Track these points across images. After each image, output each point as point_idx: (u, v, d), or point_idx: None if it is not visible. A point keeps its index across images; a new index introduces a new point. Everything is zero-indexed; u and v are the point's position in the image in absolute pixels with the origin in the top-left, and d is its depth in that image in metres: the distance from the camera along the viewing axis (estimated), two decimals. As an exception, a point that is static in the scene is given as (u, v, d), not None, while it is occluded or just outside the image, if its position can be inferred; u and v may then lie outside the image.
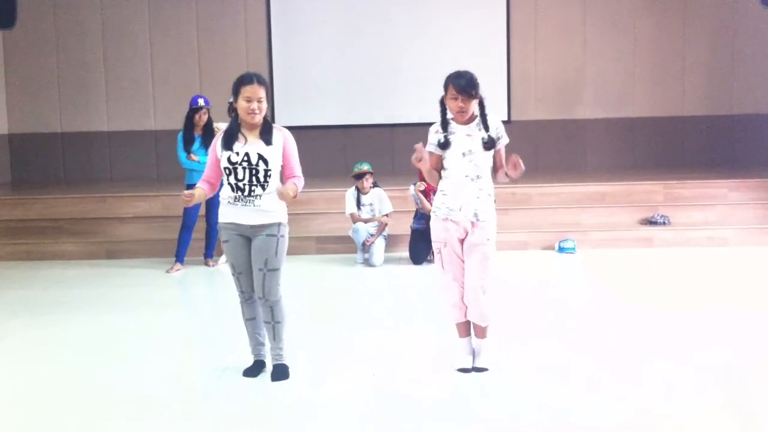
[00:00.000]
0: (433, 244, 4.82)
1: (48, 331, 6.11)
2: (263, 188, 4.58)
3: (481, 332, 4.86)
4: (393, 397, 4.52)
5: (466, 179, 4.64)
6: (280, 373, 4.77)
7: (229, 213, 4.66)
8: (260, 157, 4.56)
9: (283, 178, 4.68)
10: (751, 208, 9.54)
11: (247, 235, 4.68)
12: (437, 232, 4.75)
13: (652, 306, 6.54)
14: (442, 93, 4.71)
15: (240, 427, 4.18)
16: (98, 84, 12.59)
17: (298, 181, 4.68)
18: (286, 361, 4.82)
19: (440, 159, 4.72)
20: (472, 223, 4.65)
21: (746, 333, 5.70)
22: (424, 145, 4.66)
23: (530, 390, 4.56)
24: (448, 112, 4.72)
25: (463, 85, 4.58)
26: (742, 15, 12.01)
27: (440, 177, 4.76)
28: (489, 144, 4.64)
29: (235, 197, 4.61)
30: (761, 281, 7.46)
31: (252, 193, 4.58)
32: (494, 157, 4.75)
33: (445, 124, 4.70)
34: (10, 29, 10.34)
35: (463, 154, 4.62)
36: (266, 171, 4.57)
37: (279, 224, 4.66)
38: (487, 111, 4.73)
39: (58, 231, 9.69)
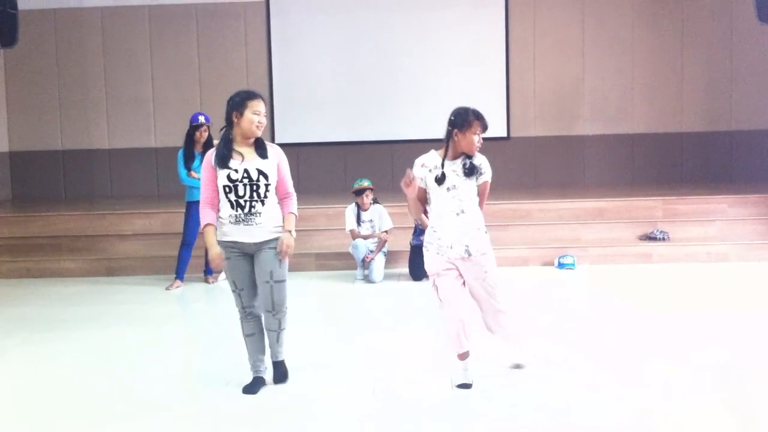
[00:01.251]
0: (429, 276, 4.83)
1: (48, 346, 6.11)
2: (263, 203, 4.62)
3: (515, 344, 4.99)
4: (393, 397, 4.57)
5: (451, 214, 4.65)
6: (281, 374, 4.93)
7: (231, 232, 4.67)
8: (260, 172, 4.61)
9: (278, 195, 4.74)
10: (750, 224, 9.55)
11: (249, 252, 4.70)
12: (429, 264, 4.77)
13: (651, 309, 6.63)
14: (450, 128, 4.66)
15: (241, 427, 4.23)
16: (99, 102, 12.65)
17: (292, 203, 4.77)
18: (283, 357, 4.95)
19: (425, 192, 4.75)
20: (463, 258, 4.65)
21: (744, 334, 5.76)
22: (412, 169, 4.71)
23: (530, 390, 4.60)
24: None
25: (487, 124, 4.68)
26: (739, 31, 12.08)
27: (425, 211, 4.82)
28: (470, 170, 4.64)
29: (236, 217, 4.62)
30: (760, 292, 7.49)
31: (252, 210, 4.60)
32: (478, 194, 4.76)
33: (444, 159, 4.68)
34: (11, 48, 10.40)
35: (448, 189, 4.64)
36: (267, 186, 4.62)
37: (280, 238, 4.70)
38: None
39: (58, 248, 9.70)
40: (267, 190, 4.62)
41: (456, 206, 4.65)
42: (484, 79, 12.24)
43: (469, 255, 4.65)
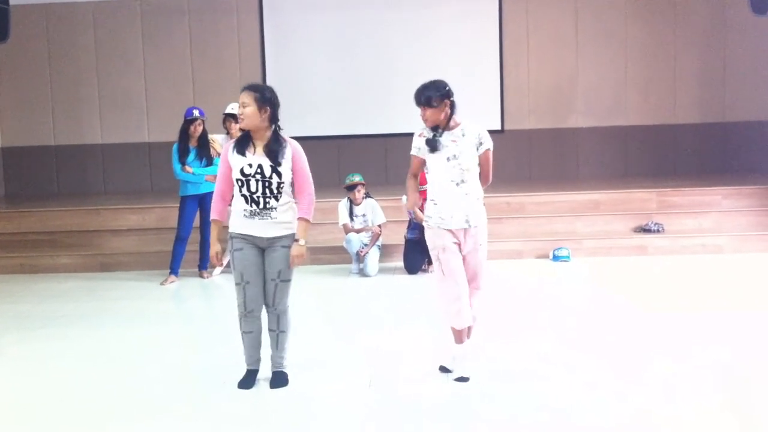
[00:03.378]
0: (431, 252, 4.84)
1: (44, 344, 6.09)
2: (277, 199, 4.60)
3: (468, 333, 4.94)
4: (393, 398, 4.56)
5: (452, 184, 4.70)
6: (280, 380, 4.78)
7: (245, 225, 4.66)
8: (273, 169, 4.57)
9: (294, 193, 4.68)
10: (744, 215, 9.57)
11: (261, 246, 4.68)
12: (432, 239, 4.79)
13: (650, 305, 6.62)
14: None
15: (241, 427, 4.21)
16: (91, 97, 12.59)
17: (307, 205, 4.67)
18: (286, 370, 4.83)
19: (423, 163, 4.83)
20: (465, 230, 4.70)
21: (744, 333, 5.75)
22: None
23: (530, 390, 4.59)
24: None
25: (416, 96, 4.73)
26: (732, 23, 12.08)
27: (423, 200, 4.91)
28: (468, 149, 4.70)
29: (251, 211, 4.61)
30: (757, 285, 7.50)
31: (267, 206, 4.59)
32: (480, 164, 4.80)
33: (435, 129, 4.75)
34: (3, 43, 10.35)
35: (448, 159, 4.69)
36: (279, 183, 4.59)
37: (294, 236, 4.67)
38: (457, 115, 4.80)
39: (53, 244, 9.67)
40: (280, 188, 4.59)
41: (457, 176, 4.69)
42: (478, 72, 12.22)
43: (469, 226, 4.70)
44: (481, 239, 4.77)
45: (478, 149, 4.73)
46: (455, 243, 4.73)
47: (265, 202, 4.59)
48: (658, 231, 9.33)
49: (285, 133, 4.81)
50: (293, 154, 4.66)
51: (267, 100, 4.67)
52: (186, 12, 12.47)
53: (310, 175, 4.72)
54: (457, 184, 4.69)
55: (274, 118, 4.69)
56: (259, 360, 4.88)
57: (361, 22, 12.39)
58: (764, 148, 11.95)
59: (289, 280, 4.73)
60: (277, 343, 4.80)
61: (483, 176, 4.83)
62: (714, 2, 12.19)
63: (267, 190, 4.57)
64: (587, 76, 12.35)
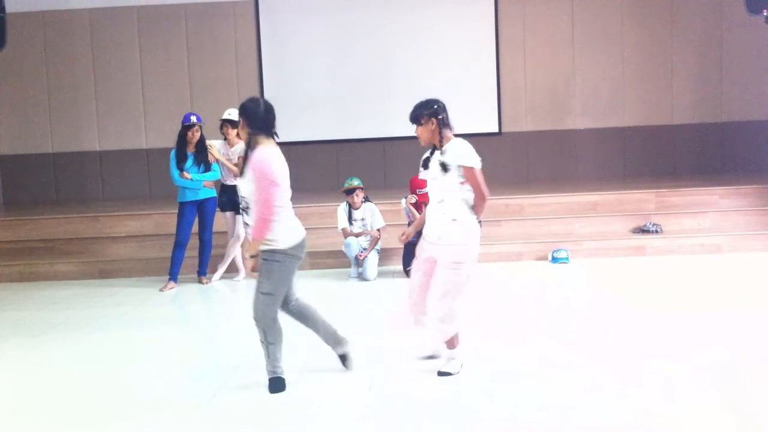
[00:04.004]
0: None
1: (43, 350, 6.09)
2: (249, 215, 4.70)
3: (449, 344, 4.95)
4: (393, 398, 4.57)
5: (434, 202, 4.84)
6: (278, 385, 4.73)
7: None
8: (241, 186, 4.71)
9: None
10: (742, 215, 9.58)
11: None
12: (418, 249, 5.00)
13: (649, 306, 6.63)
14: None
15: (241, 428, 4.23)
16: (89, 104, 12.60)
17: (258, 219, 4.56)
18: (283, 375, 4.78)
19: None
20: (437, 246, 4.79)
21: (743, 333, 5.75)
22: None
23: (530, 390, 4.60)
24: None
25: (409, 115, 4.90)
26: (729, 23, 12.11)
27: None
28: (442, 168, 4.75)
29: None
30: (755, 285, 7.50)
31: (246, 221, 4.73)
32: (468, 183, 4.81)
33: (433, 149, 4.90)
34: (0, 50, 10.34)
35: (434, 178, 4.82)
36: (245, 201, 4.68)
37: (272, 251, 4.63)
38: (446, 135, 4.84)
39: (51, 251, 9.67)
40: (248, 205, 4.67)
41: (438, 195, 4.81)
42: (475, 74, 12.24)
43: (440, 241, 4.76)
44: (456, 258, 4.71)
45: (458, 168, 4.72)
46: (429, 259, 4.86)
47: (245, 216, 4.72)
48: (656, 231, 9.34)
49: (279, 139, 4.92)
50: (252, 167, 4.59)
51: (241, 113, 4.73)
52: (182, 17, 12.48)
53: (267, 188, 4.54)
54: (439, 202, 4.81)
55: (249, 127, 4.69)
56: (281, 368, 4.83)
57: (357, 25, 12.40)
58: (761, 148, 11.98)
59: (267, 294, 4.62)
60: (268, 354, 4.73)
61: (475, 195, 4.78)
62: (710, 3, 12.21)
63: (246, 204, 4.68)
64: (584, 77, 12.37)
